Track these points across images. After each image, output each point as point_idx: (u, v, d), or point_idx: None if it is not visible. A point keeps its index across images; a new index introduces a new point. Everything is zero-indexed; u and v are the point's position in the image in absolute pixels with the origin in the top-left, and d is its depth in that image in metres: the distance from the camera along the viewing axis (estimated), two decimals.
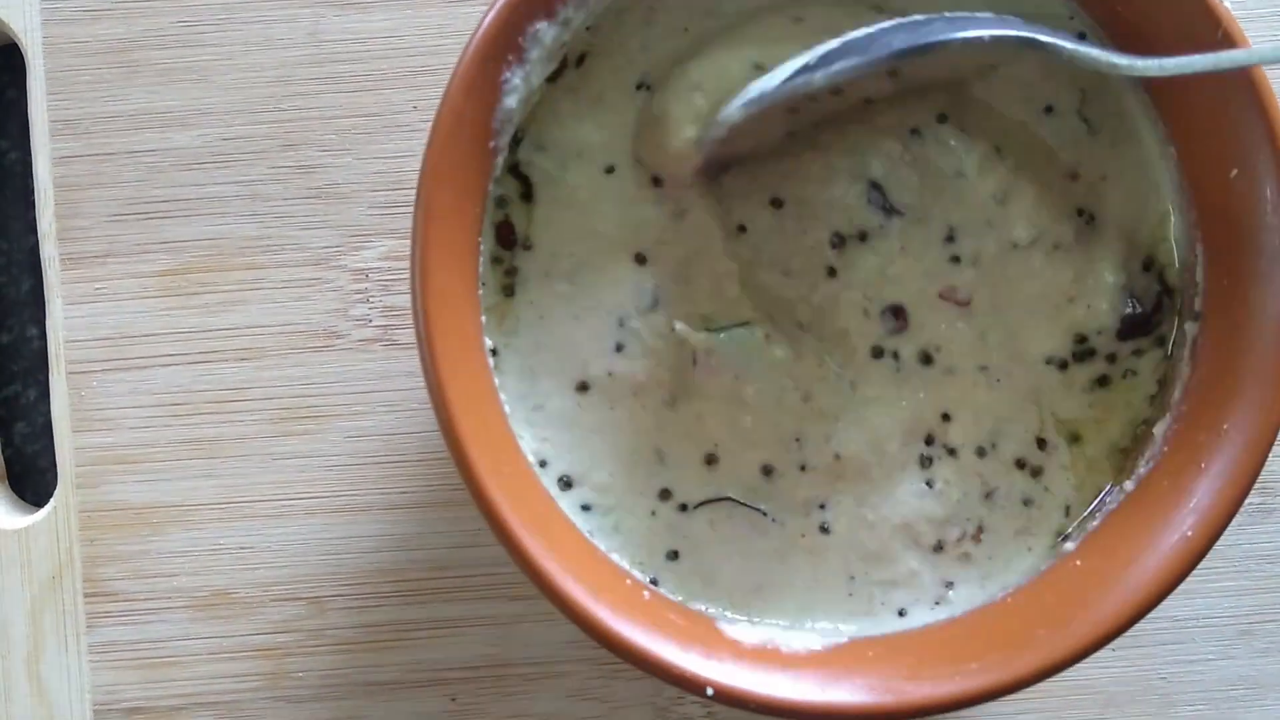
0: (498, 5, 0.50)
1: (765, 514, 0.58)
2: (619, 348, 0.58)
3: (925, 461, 0.58)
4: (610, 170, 0.58)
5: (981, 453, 0.58)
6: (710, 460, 0.58)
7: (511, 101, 0.53)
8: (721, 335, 0.57)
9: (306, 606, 0.68)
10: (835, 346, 0.58)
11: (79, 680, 0.68)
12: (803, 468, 0.58)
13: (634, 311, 0.58)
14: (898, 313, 0.58)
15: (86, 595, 0.68)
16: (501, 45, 0.51)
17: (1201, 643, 0.68)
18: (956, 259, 0.58)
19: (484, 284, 0.57)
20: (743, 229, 0.58)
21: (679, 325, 0.57)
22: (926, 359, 0.58)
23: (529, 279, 0.58)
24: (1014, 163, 0.58)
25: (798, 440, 0.58)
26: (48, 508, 0.68)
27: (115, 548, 0.68)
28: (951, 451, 0.58)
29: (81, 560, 0.68)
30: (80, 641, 0.68)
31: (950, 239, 0.58)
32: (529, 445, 0.57)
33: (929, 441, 0.58)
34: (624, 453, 0.58)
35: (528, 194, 0.58)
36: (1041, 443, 0.59)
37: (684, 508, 0.58)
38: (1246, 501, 0.60)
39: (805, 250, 0.58)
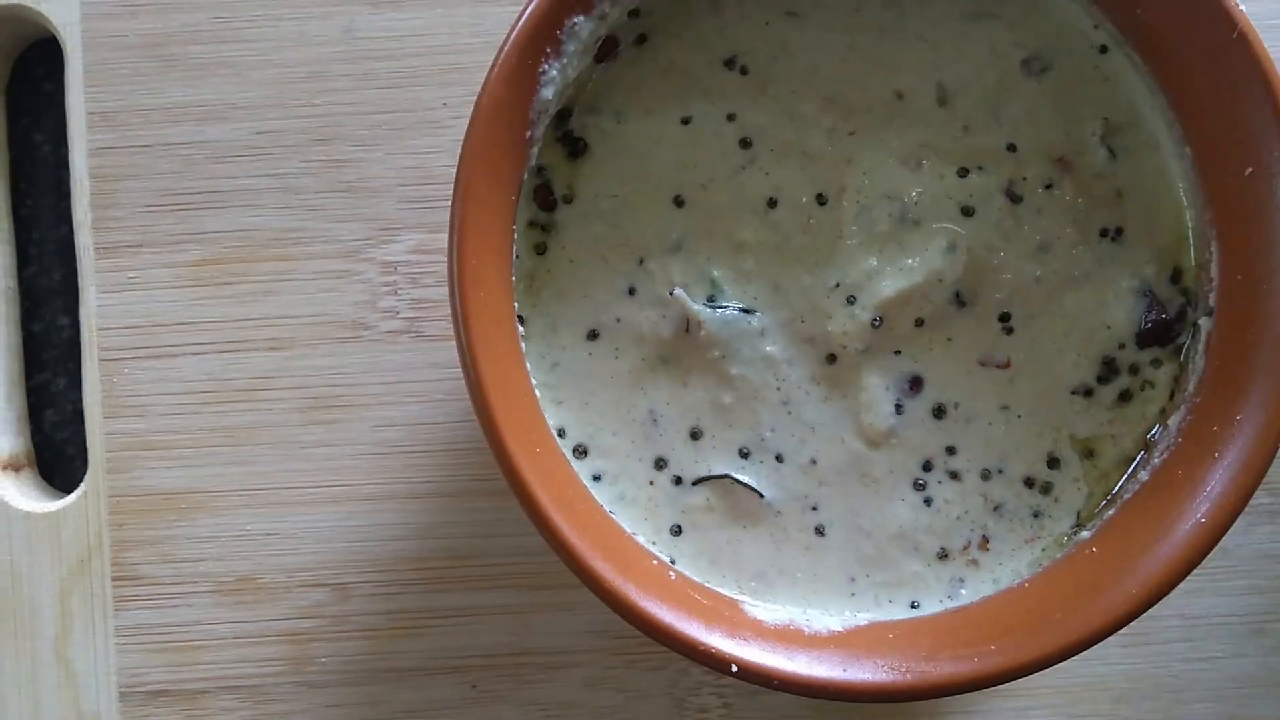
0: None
1: (763, 497, 0.59)
2: (631, 291, 0.60)
3: (919, 485, 0.60)
4: (686, 121, 0.60)
5: (987, 475, 0.60)
6: (695, 435, 0.60)
7: (548, 93, 0.55)
8: (717, 312, 0.59)
9: (330, 593, 0.69)
10: (836, 385, 0.60)
11: (106, 662, 0.69)
12: (779, 458, 0.59)
13: (656, 250, 0.60)
14: (915, 383, 0.60)
15: (114, 579, 0.69)
16: (541, 39, 0.52)
17: (1213, 640, 0.69)
18: (1009, 330, 0.60)
19: (518, 255, 0.58)
20: (773, 203, 0.60)
21: (678, 291, 0.59)
22: (940, 412, 0.60)
23: (566, 227, 0.60)
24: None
25: (773, 431, 0.59)
26: (77, 492, 0.69)
27: (143, 532, 0.69)
28: (954, 475, 0.60)
29: (110, 544, 0.69)
30: (108, 624, 0.69)
31: (1004, 317, 0.60)
32: (550, 414, 0.59)
33: (926, 468, 0.60)
34: (624, 408, 0.60)
35: (574, 153, 0.60)
36: (1054, 461, 0.60)
37: (679, 480, 0.60)
38: (1257, 502, 0.62)
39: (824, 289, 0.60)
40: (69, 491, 0.71)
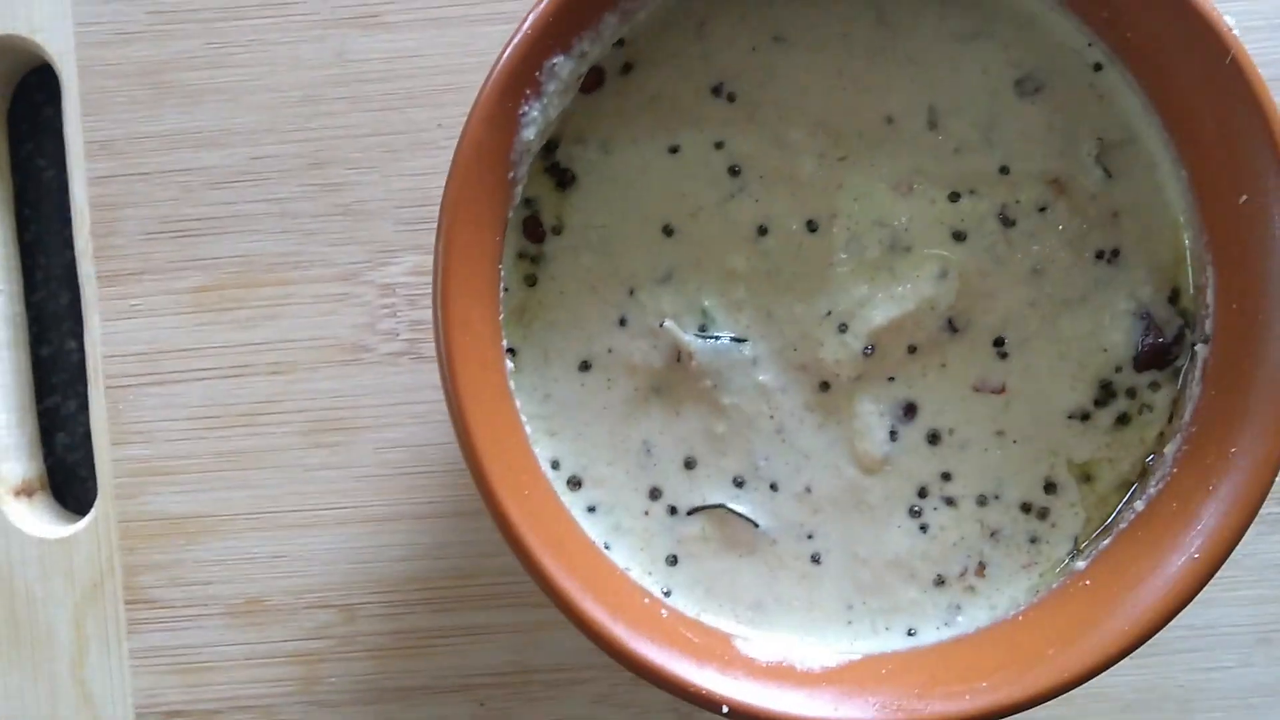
0: (514, 42, 0.51)
1: (758, 526, 0.59)
2: (622, 321, 0.59)
3: (915, 512, 0.59)
4: (674, 150, 0.59)
5: (983, 501, 0.60)
6: (689, 464, 0.60)
7: (530, 134, 0.54)
8: (708, 342, 0.58)
9: (338, 614, 0.70)
10: (830, 413, 0.60)
11: (121, 684, 0.70)
12: (773, 486, 0.59)
13: (646, 280, 0.59)
14: (909, 409, 0.59)
15: (127, 602, 0.70)
16: (520, 81, 0.52)
17: (1219, 650, 0.69)
18: (1004, 355, 0.59)
19: (506, 288, 0.59)
20: (763, 231, 0.59)
21: (668, 323, 0.58)
22: (934, 438, 0.60)
23: (556, 258, 0.60)
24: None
25: (766, 459, 0.59)
26: (88, 518, 0.70)
27: (153, 556, 0.70)
28: (950, 501, 0.60)
29: (122, 568, 0.70)
30: (122, 647, 0.70)
31: (999, 342, 0.59)
32: (543, 446, 0.59)
33: (922, 494, 0.60)
34: (618, 439, 0.60)
35: (562, 184, 0.59)
36: (1051, 486, 0.60)
37: (673, 510, 0.60)
38: (1266, 512, 0.61)
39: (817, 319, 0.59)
40: (82, 513, 0.72)
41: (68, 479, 0.75)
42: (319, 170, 0.70)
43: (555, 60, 0.54)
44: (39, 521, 0.71)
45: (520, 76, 0.52)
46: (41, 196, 0.75)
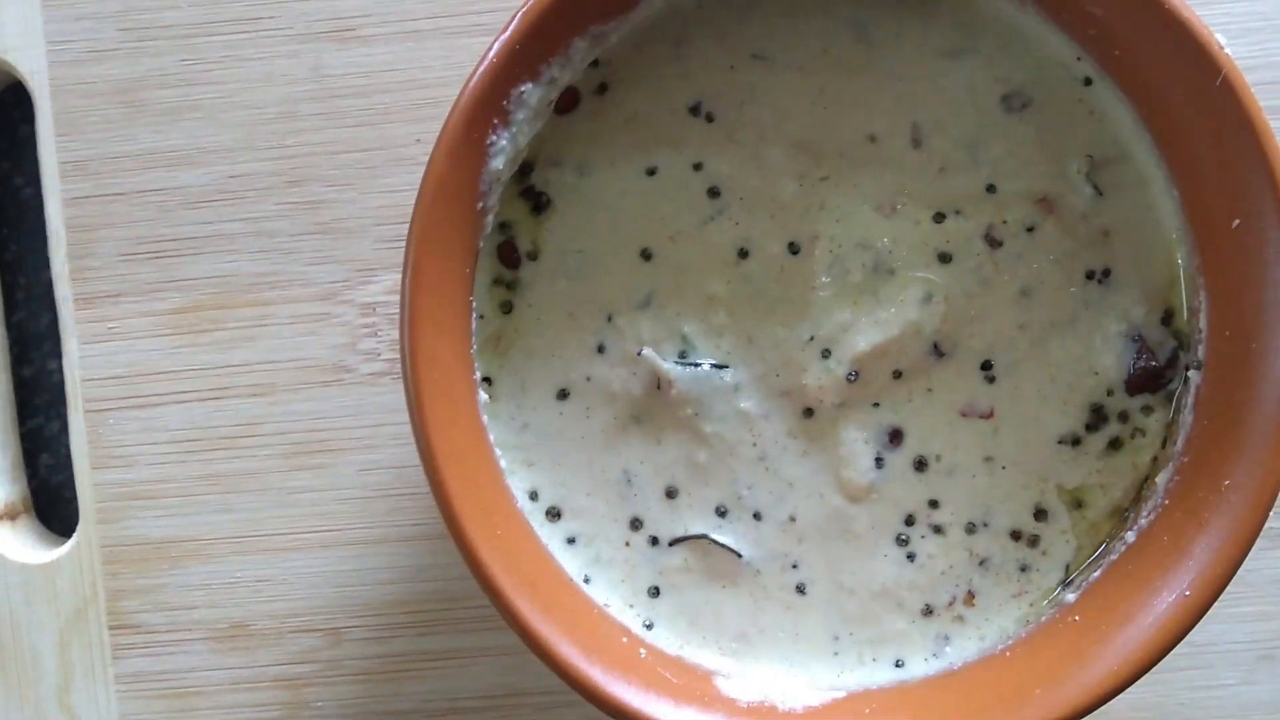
0: (480, 71, 0.50)
1: (741, 557, 0.58)
2: (600, 349, 0.58)
3: (902, 540, 0.58)
4: (652, 172, 0.58)
5: (972, 529, 0.58)
6: (671, 494, 0.59)
7: (498, 163, 0.53)
8: (688, 369, 0.57)
9: (323, 637, 0.69)
10: (814, 440, 0.58)
11: (108, 710, 0.70)
12: (757, 516, 0.58)
13: (624, 307, 0.58)
14: (895, 435, 0.58)
15: (111, 627, 0.69)
16: (486, 110, 0.51)
17: (1221, 668, 0.68)
18: (992, 379, 0.58)
19: (481, 315, 0.57)
20: (744, 254, 0.58)
21: (646, 351, 0.57)
22: (921, 465, 0.58)
23: (532, 284, 0.58)
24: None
25: (750, 488, 0.58)
26: (71, 543, 0.70)
27: (137, 581, 0.69)
28: (937, 529, 0.58)
29: (105, 593, 0.69)
30: (107, 672, 0.70)
31: (987, 365, 0.58)
32: (521, 477, 0.58)
33: (909, 522, 0.58)
34: (597, 469, 0.59)
35: (538, 208, 0.58)
36: (1041, 513, 0.58)
37: (655, 541, 0.59)
38: (1268, 526, 0.60)
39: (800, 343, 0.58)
40: (68, 535, 0.71)
41: (52, 500, 0.74)
42: (296, 188, 0.68)
43: (523, 88, 0.52)
44: (22, 546, 0.70)
45: (487, 106, 0.50)
46: (20, 215, 0.74)
